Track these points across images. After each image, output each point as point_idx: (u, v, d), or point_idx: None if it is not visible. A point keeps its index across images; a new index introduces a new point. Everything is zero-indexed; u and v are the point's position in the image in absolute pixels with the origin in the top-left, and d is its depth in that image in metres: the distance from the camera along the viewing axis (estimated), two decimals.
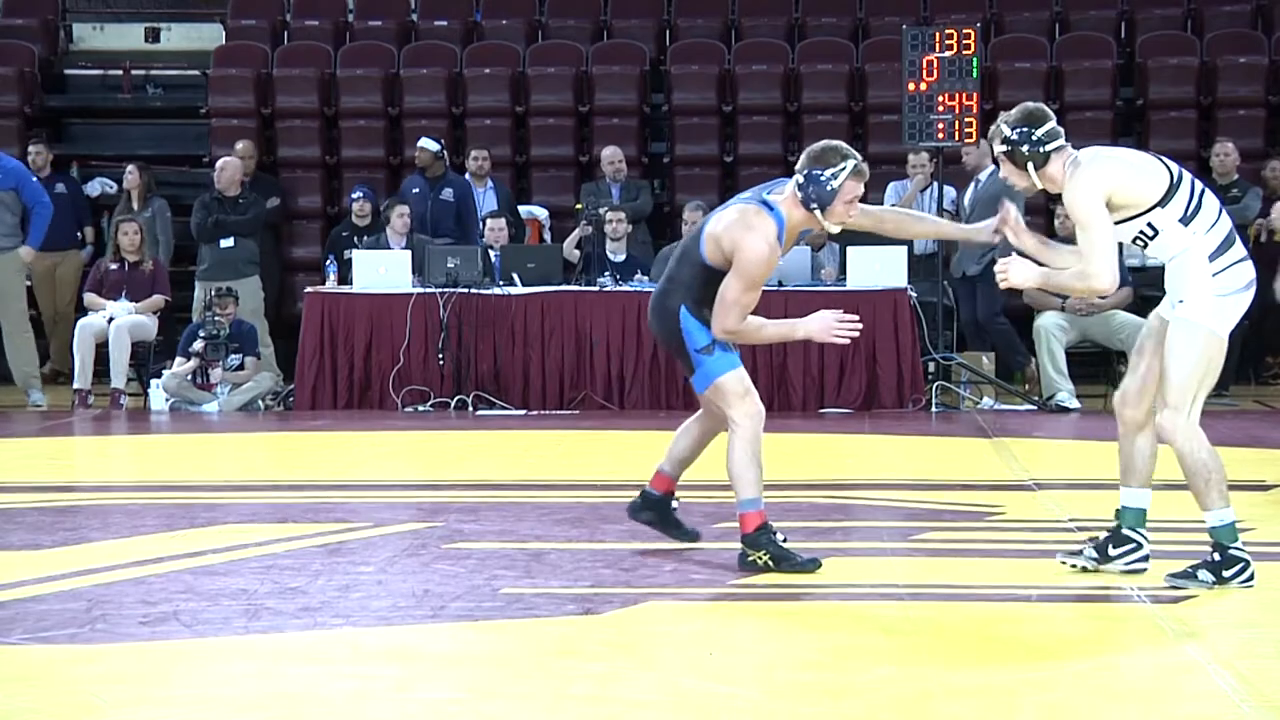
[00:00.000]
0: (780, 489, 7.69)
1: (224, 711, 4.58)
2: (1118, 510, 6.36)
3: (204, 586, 6.14)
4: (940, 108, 13.06)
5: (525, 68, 16.79)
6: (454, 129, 16.58)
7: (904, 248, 12.66)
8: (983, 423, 11.95)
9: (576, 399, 12.91)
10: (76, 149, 17.02)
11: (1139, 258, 12.05)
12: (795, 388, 12.71)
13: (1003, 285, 6.28)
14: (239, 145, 15.19)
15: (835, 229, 6.59)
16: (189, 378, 13.14)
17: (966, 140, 13.26)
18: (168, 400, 13.17)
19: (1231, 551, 6.07)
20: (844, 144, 6.54)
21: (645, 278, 13.36)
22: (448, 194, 14.37)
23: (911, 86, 13.11)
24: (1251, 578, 6.06)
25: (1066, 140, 6.23)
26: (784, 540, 6.41)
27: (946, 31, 13.17)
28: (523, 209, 15.11)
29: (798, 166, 6.47)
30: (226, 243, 14.13)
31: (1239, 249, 6.14)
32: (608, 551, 6.89)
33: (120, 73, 17.67)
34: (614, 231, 13.72)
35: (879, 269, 12.72)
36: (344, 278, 13.47)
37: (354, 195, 14.91)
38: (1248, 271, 6.14)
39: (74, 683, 4.87)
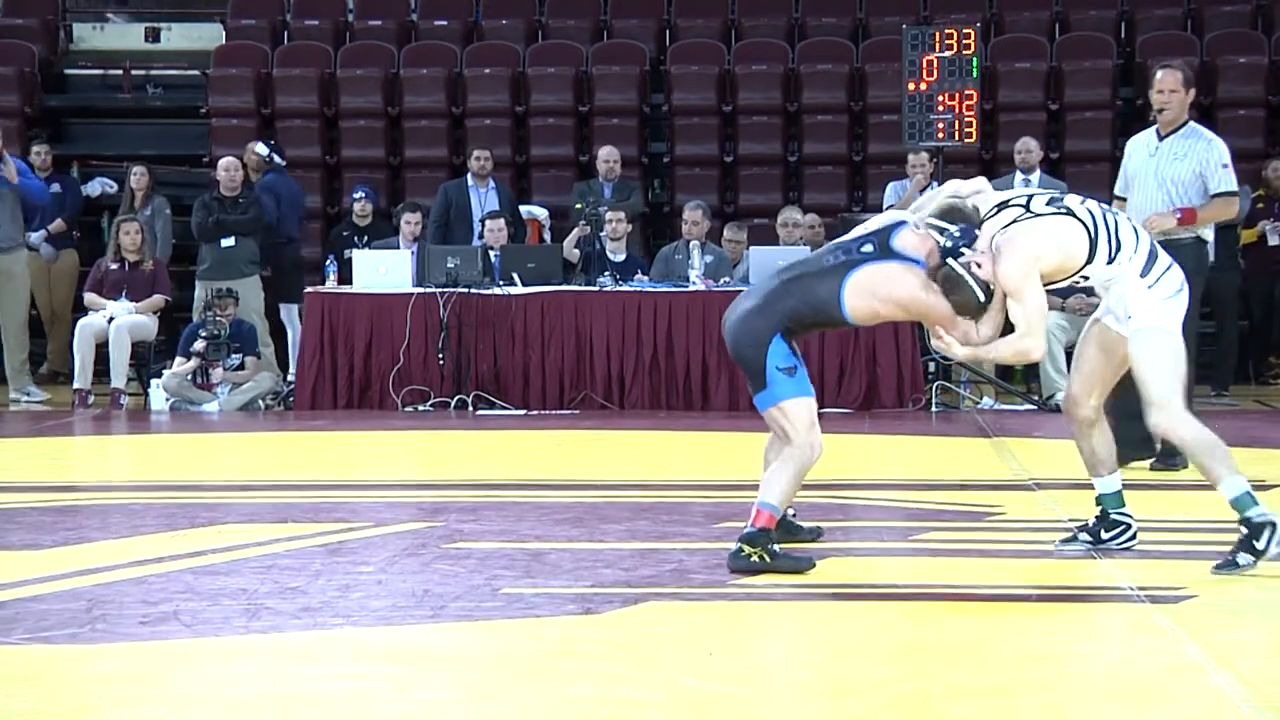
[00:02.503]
0: None
1: (224, 711, 4.57)
2: (1098, 498, 6.71)
3: (204, 586, 6.14)
4: (940, 108, 13.06)
5: (525, 68, 16.79)
6: (454, 129, 16.60)
7: None
8: (983, 423, 11.96)
9: (576, 399, 12.90)
10: (76, 149, 17.02)
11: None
12: None
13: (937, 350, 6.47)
14: (249, 147, 15.21)
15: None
16: (189, 378, 13.15)
17: (967, 140, 13.26)
18: (168, 400, 13.17)
19: (1256, 520, 6.24)
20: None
21: (645, 277, 13.36)
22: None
23: (911, 86, 13.11)
24: None
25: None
26: (779, 549, 6.41)
27: (946, 31, 13.17)
28: (522, 209, 15.12)
29: (937, 215, 6.37)
30: (227, 242, 14.12)
31: (1164, 259, 6.46)
32: (608, 551, 6.89)
33: (120, 73, 17.67)
34: (613, 231, 13.71)
35: None
36: (344, 278, 13.48)
37: (355, 195, 14.94)
38: (1178, 275, 6.46)
39: (74, 683, 4.87)
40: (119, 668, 5.03)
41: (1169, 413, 6.30)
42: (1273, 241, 14.27)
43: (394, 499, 8.72)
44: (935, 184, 13.54)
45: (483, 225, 14.04)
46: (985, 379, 13.15)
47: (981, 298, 6.24)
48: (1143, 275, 6.35)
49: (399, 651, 5.24)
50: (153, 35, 18.22)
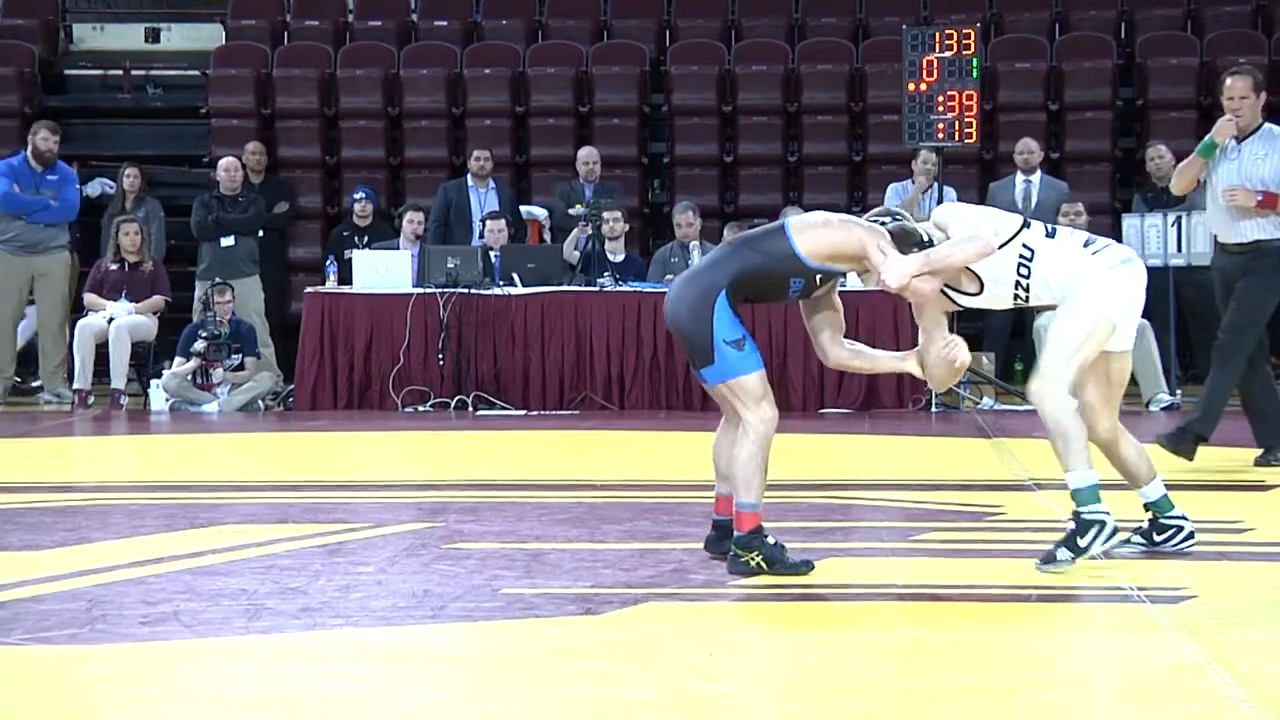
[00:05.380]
0: (780, 489, 7.67)
1: (224, 711, 4.57)
2: (1145, 506, 6.75)
3: (204, 586, 6.14)
4: (940, 108, 13.05)
5: (525, 68, 16.79)
6: (454, 129, 16.60)
7: None
8: (983, 423, 11.96)
9: (576, 399, 12.91)
10: (76, 149, 17.00)
11: None
12: (795, 388, 12.71)
13: (893, 287, 6.36)
14: (249, 146, 15.23)
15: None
16: (189, 378, 13.15)
17: (967, 140, 13.25)
18: (168, 400, 13.17)
19: (1085, 516, 6.32)
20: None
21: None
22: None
23: (911, 86, 13.10)
24: (1113, 534, 6.34)
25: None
26: (775, 543, 6.40)
27: (946, 31, 13.16)
28: (522, 209, 15.12)
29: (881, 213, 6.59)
30: (227, 241, 14.15)
31: (1105, 239, 6.61)
32: (608, 551, 6.89)
33: (120, 73, 17.67)
34: (612, 231, 13.71)
35: None
36: (344, 278, 13.49)
37: (356, 195, 14.95)
38: (1123, 250, 6.60)
39: (74, 683, 4.86)
40: (119, 668, 5.03)
41: (1052, 386, 6.35)
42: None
43: (394, 499, 8.72)
44: (935, 185, 13.58)
45: (483, 225, 14.06)
46: (985, 379, 13.15)
47: (926, 237, 6.41)
48: (1085, 245, 6.50)
49: (399, 651, 5.24)
50: (153, 35, 18.22)
